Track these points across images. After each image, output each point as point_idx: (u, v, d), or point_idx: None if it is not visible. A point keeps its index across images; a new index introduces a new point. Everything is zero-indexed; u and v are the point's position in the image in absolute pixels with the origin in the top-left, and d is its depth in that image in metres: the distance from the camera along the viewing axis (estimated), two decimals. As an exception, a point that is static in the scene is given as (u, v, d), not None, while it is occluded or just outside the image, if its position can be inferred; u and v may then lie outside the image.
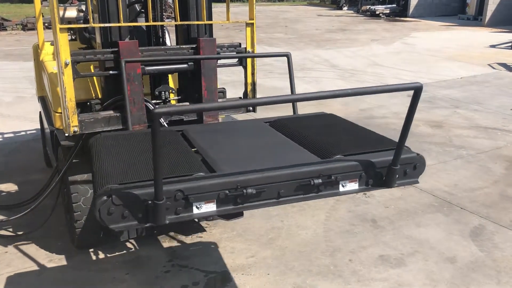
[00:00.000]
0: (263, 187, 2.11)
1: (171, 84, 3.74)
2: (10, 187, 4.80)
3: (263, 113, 6.96)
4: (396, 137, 2.64)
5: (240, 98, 3.71)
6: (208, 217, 2.64)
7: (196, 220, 3.90)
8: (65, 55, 2.91)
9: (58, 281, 3.27)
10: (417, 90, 2.04)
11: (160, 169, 1.83)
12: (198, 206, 2.06)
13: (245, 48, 3.58)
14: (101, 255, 3.55)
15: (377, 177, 2.33)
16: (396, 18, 25.59)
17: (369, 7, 26.98)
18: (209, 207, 2.08)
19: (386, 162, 2.30)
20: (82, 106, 3.30)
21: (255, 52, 3.60)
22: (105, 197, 1.91)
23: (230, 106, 2.01)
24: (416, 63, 11.91)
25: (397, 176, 2.34)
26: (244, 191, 2.07)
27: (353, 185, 2.31)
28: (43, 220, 3.74)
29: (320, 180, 2.20)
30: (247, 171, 2.14)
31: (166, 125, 3.25)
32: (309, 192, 2.25)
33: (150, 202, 1.93)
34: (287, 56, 3.40)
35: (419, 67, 11.40)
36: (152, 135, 1.75)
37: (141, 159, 2.32)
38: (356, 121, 3.07)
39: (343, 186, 2.29)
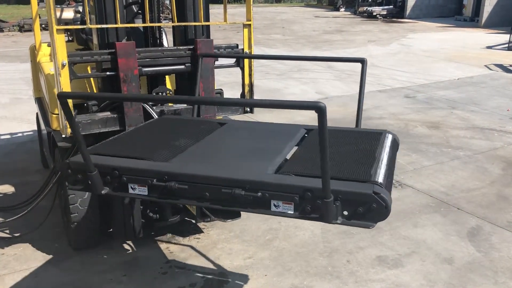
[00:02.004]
0: (187, 184, 2.14)
1: (168, 85, 3.75)
2: (7, 188, 4.78)
3: (265, 115, 6.98)
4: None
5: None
6: (142, 199, 2.64)
7: (193, 221, 3.90)
8: (62, 56, 2.91)
9: (55, 282, 3.26)
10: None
11: (83, 143, 2.11)
12: (132, 187, 2.25)
13: (243, 49, 3.59)
14: (98, 257, 3.54)
15: (315, 207, 1.96)
16: (393, 19, 25.65)
17: (366, 8, 27.03)
18: (142, 191, 2.23)
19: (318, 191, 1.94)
20: (79, 108, 3.29)
21: (252, 53, 3.60)
22: (67, 162, 2.32)
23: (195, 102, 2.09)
24: (413, 64, 11.94)
25: (342, 212, 1.96)
26: (168, 183, 2.14)
27: (288, 208, 2.01)
28: (40, 221, 3.73)
29: (242, 192, 2.01)
30: (177, 166, 2.25)
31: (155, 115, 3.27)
32: (234, 202, 2.10)
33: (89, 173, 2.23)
34: (362, 61, 3.08)
35: (416, 68, 11.43)
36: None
37: (142, 138, 2.69)
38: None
39: (275, 206, 2.02)
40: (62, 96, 2.04)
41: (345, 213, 1.96)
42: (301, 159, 2.32)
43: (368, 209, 1.92)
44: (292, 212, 2.01)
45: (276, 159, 2.33)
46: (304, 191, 1.95)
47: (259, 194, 2.00)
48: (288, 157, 2.41)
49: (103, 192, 2.27)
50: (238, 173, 2.15)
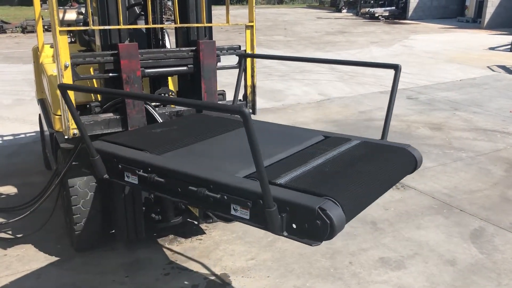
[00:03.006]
0: (163, 178, 2.22)
1: (171, 86, 3.75)
2: (10, 189, 4.79)
3: (267, 116, 6.97)
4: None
5: (240, 100, 3.71)
6: (134, 188, 2.74)
7: (196, 222, 3.90)
8: (65, 58, 2.91)
9: (57, 283, 3.27)
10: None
11: (85, 131, 2.38)
12: (127, 175, 2.42)
13: (245, 50, 3.59)
14: (101, 258, 3.54)
15: (264, 215, 1.83)
16: (395, 20, 25.62)
17: (368, 10, 27.01)
18: (134, 180, 2.38)
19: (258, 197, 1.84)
20: (82, 109, 3.30)
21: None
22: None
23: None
24: (415, 66, 11.92)
25: (291, 224, 1.83)
26: (149, 175, 2.27)
27: (244, 213, 1.94)
28: (42, 222, 3.74)
29: (205, 192, 2.01)
30: (164, 160, 2.34)
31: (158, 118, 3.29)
32: (198, 201, 2.10)
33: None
34: (396, 68, 2.71)
35: (418, 69, 11.41)
36: None
37: (161, 131, 2.88)
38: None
39: (234, 210, 1.97)
40: (63, 88, 2.24)
41: (294, 226, 1.83)
42: (285, 166, 2.24)
43: (312, 225, 1.77)
44: (248, 218, 1.95)
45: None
46: (257, 198, 1.87)
47: (219, 195, 1.99)
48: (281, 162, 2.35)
49: (104, 176, 2.51)
50: (210, 172, 2.12)
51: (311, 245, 1.84)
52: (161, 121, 3.22)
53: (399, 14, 26.53)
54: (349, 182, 2.06)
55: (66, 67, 2.92)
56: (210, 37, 3.56)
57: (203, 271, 3.40)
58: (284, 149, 2.51)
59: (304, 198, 1.84)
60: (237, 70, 3.60)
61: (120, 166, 2.43)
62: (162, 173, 2.24)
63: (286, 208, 1.82)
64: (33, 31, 19.00)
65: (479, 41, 16.98)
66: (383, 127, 2.74)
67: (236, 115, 2.86)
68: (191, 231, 3.90)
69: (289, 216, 1.82)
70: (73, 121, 3.01)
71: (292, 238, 1.86)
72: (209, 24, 3.49)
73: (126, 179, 2.43)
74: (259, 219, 1.89)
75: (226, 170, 2.20)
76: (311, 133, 2.86)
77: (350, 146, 2.59)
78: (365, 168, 2.25)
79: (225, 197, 1.97)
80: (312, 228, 1.77)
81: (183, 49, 3.41)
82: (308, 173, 2.17)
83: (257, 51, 3.75)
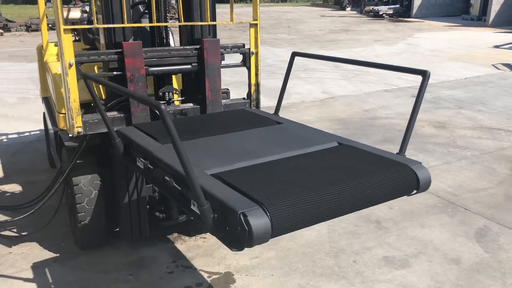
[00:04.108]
0: (153, 166, 2.34)
1: (175, 85, 3.75)
2: (14, 187, 4.81)
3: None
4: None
5: (244, 98, 3.71)
6: (141, 173, 2.81)
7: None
8: (69, 56, 2.91)
9: (61, 281, 3.28)
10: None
11: (106, 119, 2.63)
12: (137, 161, 2.56)
13: (249, 48, 3.58)
14: (105, 256, 3.55)
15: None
16: (400, 18, 25.55)
17: (372, 8, 26.96)
18: (141, 165, 2.50)
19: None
20: (86, 107, 3.30)
21: (259, 53, 3.59)
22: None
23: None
24: (420, 64, 11.88)
25: (225, 226, 1.77)
26: (145, 162, 2.40)
27: (196, 210, 1.89)
28: (47, 221, 3.75)
29: (171, 182, 2.02)
30: (162, 150, 2.40)
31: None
32: (169, 192, 2.11)
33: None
34: (424, 74, 2.44)
35: (423, 68, 11.34)
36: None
37: (192, 122, 3.07)
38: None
39: (193, 205, 1.92)
40: (87, 77, 2.53)
41: (226, 227, 1.77)
42: (262, 167, 2.17)
43: (234, 230, 1.71)
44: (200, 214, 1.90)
45: (242, 163, 2.23)
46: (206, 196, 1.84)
47: (181, 188, 2.01)
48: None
49: (121, 159, 2.80)
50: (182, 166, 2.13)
51: (231, 250, 1.79)
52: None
53: (403, 12, 26.47)
54: (303, 194, 1.87)
55: (70, 65, 2.92)
56: (214, 36, 3.56)
57: (207, 269, 3.40)
58: (283, 150, 2.44)
59: (235, 201, 1.77)
60: (241, 68, 3.60)
61: (131, 150, 2.65)
62: (152, 162, 2.36)
63: (218, 208, 1.78)
64: (37, 29, 19.07)
65: (483, 39, 16.90)
66: (402, 139, 2.41)
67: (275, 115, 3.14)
68: (195, 229, 3.90)
69: (220, 217, 1.78)
70: (77, 119, 3.01)
71: (220, 240, 1.83)
72: (213, 23, 3.48)
73: (138, 164, 2.56)
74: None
75: (202, 165, 2.18)
76: (326, 138, 2.67)
77: (341, 153, 2.41)
78: (337, 181, 2.01)
79: (183, 191, 1.99)
80: (234, 233, 1.72)
81: (187, 47, 3.41)
82: (269, 176, 2.06)
83: (261, 49, 3.74)
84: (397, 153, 2.43)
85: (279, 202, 1.78)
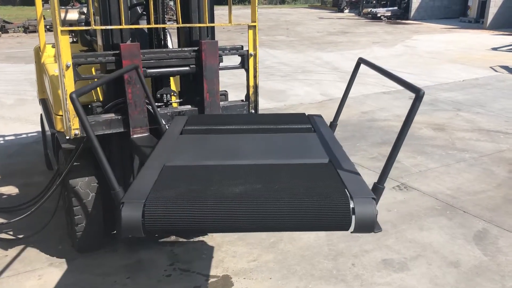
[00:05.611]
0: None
1: (173, 86, 3.73)
2: (11, 189, 4.78)
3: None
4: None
5: (242, 100, 3.69)
6: None
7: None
8: (67, 58, 2.90)
9: (58, 284, 3.25)
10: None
11: (108, 169, 2.28)
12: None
13: (247, 50, 3.57)
14: (102, 259, 3.53)
15: None
16: (398, 20, 25.58)
17: (371, 10, 26.97)
18: None
19: None
20: (83, 109, 3.28)
21: (257, 54, 3.58)
22: None
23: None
24: (418, 66, 11.89)
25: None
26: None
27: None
28: (43, 223, 3.72)
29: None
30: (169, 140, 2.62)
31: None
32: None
33: None
34: (418, 92, 1.90)
35: (421, 70, 11.38)
36: None
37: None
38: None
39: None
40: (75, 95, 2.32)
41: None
42: (224, 171, 2.15)
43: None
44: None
45: (212, 162, 2.29)
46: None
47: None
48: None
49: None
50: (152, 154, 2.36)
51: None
52: (163, 122, 3.20)
53: (401, 14, 26.49)
54: (196, 200, 1.85)
55: (67, 67, 2.90)
56: (213, 37, 3.55)
57: (205, 272, 3.38)
58: (270, 157, 2.39)
59: (135, 191, 1.90)
60: (239, 70, 3.59)
61: None
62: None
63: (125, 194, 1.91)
64: (35, 31, 19.02)
65: (481, 41, 16.93)
66: (382, 169, 1.99)
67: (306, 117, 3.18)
68: (193, 232, 3.88)
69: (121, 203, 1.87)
70: (74, 121, 3.00)
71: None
72: (212, 24, 3.47)
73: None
74: None
75: (176, 158, 2.35)
76: (322, 155, 2.43)
77: (307, 170, 2.21)
78: (248, 198, 1.87)
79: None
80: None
81: (185, 49, 3.39)
82: (213, 177, 2.07)
83: (260, 51, 3.73)
84: (375, 183, 2.01)
85: (162, 202, 1.83)
